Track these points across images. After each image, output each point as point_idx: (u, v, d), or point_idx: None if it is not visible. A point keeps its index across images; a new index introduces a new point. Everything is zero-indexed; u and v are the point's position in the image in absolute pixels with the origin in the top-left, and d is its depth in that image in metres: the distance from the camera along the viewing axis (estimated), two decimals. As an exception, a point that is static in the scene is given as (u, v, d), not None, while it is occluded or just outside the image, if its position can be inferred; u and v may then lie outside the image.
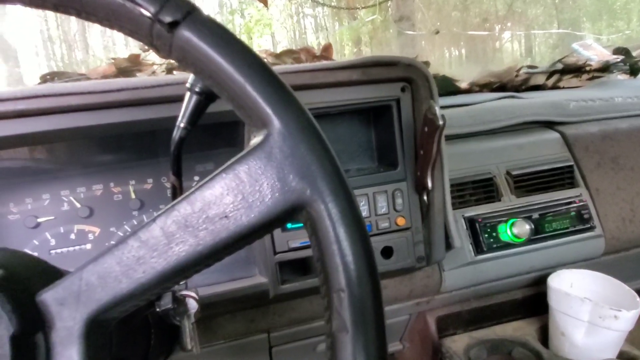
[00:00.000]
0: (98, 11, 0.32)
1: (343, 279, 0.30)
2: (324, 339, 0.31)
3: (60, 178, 0.71)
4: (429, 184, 0.71)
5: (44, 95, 0.55)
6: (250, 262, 0.74)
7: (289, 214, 0.31)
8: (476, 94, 1.34)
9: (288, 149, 0.31)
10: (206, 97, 0.49)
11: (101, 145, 0.72)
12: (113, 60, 1.18)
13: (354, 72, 0.68)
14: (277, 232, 0.70)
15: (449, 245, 0.77)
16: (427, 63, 1.39)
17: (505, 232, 0.87)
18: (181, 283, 0.62)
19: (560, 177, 0.96)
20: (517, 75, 1.46)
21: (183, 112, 0.50)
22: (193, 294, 0.51)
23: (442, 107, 1.06)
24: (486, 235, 0.87)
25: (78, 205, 0.71)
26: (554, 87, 1.47)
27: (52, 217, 0.71)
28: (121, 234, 0.72)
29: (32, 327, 0.30)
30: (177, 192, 0.55)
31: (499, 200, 0.91)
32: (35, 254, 0.68)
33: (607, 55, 1.68)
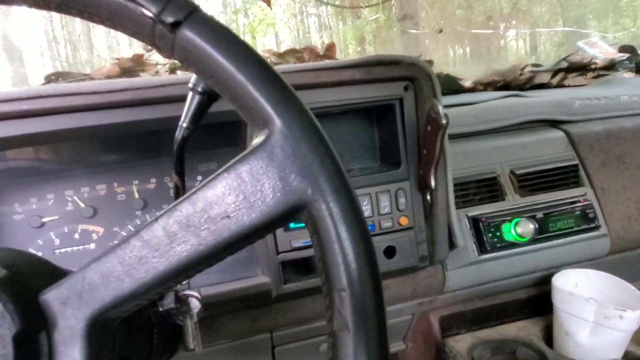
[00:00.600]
0: (100, 12, 0.32)
1: (344, 279, 0.30)
2: (326, 339, 0.31)
3: (65, 178, 0.72)
4: (432, 183, 0.70)
5: (48, 96, 0.56)
6: (253, 262, 0.74)
7: (290, 213, 0.31)
8: (480, 93, 1.33)
9: (289, 148, 0.31)
10: (209, 97, 0.49)
11: (105, 145, 0.72)
12: (117, 61, 1.18)
13: (357, 71, 0.68)
14: (279, 231, 0.70)
15: (452, 245, 0.77)
16: (430, 62, 1.39)
17: (509, 231, 0.87)
18: (184, 283, 0.62)
19: (565, 176, 0.95)
20: (521, 74, 1.45)
21: (185, 112, 0.50)
22: (195, 294, 0.51)
23: (446, 106, 1.06)
24: (490, 234, 0.86)
25: (82, 205, 0.72)
26: (559, 85, 1.46)
27: (57, 217, 0.71)
28: (124, 234, 0.73)
29: (35, 327, 0.30)
30: (180, 191, 0.55)
31: (503, 200, 0.91)
32: (40, 253, 0.69)
33: (613, 53, 1.67)
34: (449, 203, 0.75)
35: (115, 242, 0.66)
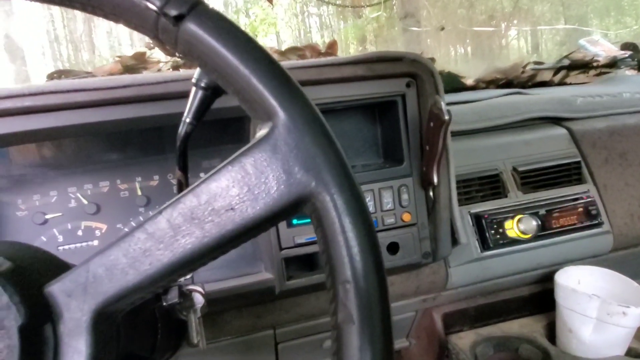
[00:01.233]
0: (104, 5, 0.32)
1: (349, 271, 0.30)
2: (330, 334, 0.31)
3: (68, 175, 0.72)
4: (435, 180, 0.70)
5: (51, 92, 0.56)
6: (256, 258, 0.74)
7: (294, 206, 0.31)
8: (482, 91, 1.33)
9: (293, 141, 0.31)
10: (212, 92, 0.49)
11: (108, 142, 0.72)
12: (119, 58, 1.18)
13: (359, 68, 0.68)
14: (282, 228, 0.70)
15: (455, 241, 0.77)
16: (432, 59, 1.39)
17: (512, 228, 0.87)
18: (187, 278, 0.62)
19: (568, 173, 0.95)
20: (523, 72, 1.45)
21: (189, 108, 0.50)
22: (199, 289, 0.51)
23: (448, 104, 1.05)
24: (492, 231, 0.86)
25: (85, 201, 0.72)
26: (561, 83, 1.46)
27: (60, 214, 0.71)
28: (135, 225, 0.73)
29: (41, 319, 0.30)
30: (183, 187, 0.55)
31: (506, 197, 0.91)
32: (43, 250, 0.69)
33: (615, 51, 1.66)
34: (452, 199, 0.75)
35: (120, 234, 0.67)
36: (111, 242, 0.31)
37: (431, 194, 0.74)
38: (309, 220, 0.71)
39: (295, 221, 0.70)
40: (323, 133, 0.32)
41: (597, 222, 0.92)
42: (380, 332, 0.29)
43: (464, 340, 0.94)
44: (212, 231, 0.31)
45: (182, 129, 0.51)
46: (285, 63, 0.69)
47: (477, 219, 0.87)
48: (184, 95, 0.53)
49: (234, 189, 0.31)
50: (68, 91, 0.56)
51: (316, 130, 0.31)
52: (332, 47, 1.34)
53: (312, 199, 0.31)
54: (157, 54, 1.27)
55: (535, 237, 0.88)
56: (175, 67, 1.21)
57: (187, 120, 0.50)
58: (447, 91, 1.30)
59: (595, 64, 1.52)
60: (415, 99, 0.72)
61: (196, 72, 0.49)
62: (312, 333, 0.87)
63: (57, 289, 0.31)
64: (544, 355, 0.89)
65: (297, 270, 0.72)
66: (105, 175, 0.73)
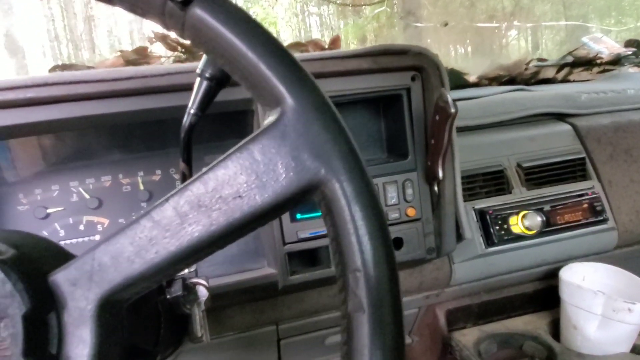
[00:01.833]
0: None
1: (359, 259, 0.29)
2: (333, 331, 0.30)
3: (70, 169, 0.71)
4: (440, 174, 0.70)
5: (54, 83, 0.55)
6: (259, 253, 0.73)
7: (303, 193, 0.31)
8: (485, 87, 1.32)
9: (302, 127, 0.30)
10: (217, 83, 0.49)
11: (110, 136, 0.72)
12: (120, 52, 1.18)
13: (364, 61, 0.67)
14: (286, 222, 0.69)
15: (459, 237, 0.77)
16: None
17: (516, 224, 0.86)
18: (191, 271, 0.61)
19: (572, 170, 0.95)
20: (526, 69, 1.44)
21: (193, 98, 0.49)
22: (203, 282, 0.50)
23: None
24: (497, 227, 0.86)
25: (87, 196, 0.71)
26: (564, 80, 1.45)
27: (62, 208, 0.71)
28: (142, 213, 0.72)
29: (45, 307, 0.29)
30: (187, 179, 0.54)
31: (510, 193, 0.90)
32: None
33: (618, 48, 1.66)
34: (457, 194, 0.74)
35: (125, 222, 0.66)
36: (117, 230, 0.31)
37: (436, 188, 0.73)
38: (312, 214, 0.70)
39: (299, 215, 0.70)
40: (333, 119, 0.31)
41: (601, 218, 0.92)
42: (392, 320, 0.29)
43: (467, 337, 0.94)
44: (219, 219, 0.30)
45: (186, 120, 0.50)
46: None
47: (482, 214, 0.87)
48: (188, 87, 0.53)
49: (242, 177, 0.30)
50: (71, 82, 0.56)
51: (326, 117, 0.31)
52: (335, 43, 1.34)
53: (321, 187, 0.30)
54: (159, 49, 1.26)
55: (540, 234, 0.87)
56: (177, 61, 1.20)
57: (192, 111, 0.49)
58: (450, 88, 1.30)
59: (598, 61, 1.51)
60: (421, 93, 0.72)
61: (201, 62, 0.49)
62: (315, 329, 0.87)
63: (61, 277, 0.30)
64: (548, 352, 0.88)
65: (301, 265, 0.71)
66: (108, 169, 0.73)
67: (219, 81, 0.49)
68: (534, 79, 1.42)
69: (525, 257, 0.89)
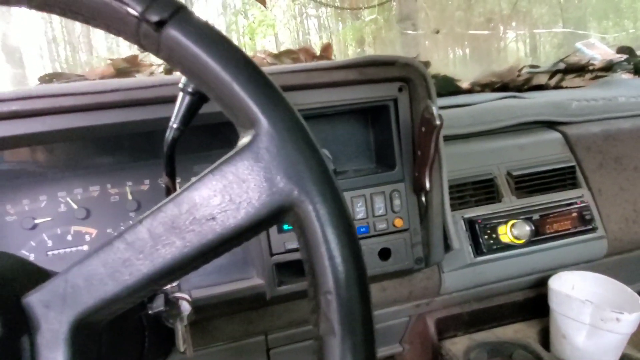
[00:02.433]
0: (83, 10, 0.31)
1: (331, 281, 0.29)
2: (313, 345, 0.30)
3: (57, 179, 0.71)
4: (427, 185, 0.70)
5: (38, 96, 0.55)
6: (247, 264, 0.73)
7: (276, 215, 0.31)
8: (477, 94, 1.33)
9: (275, 149, 0.30)
10: (199, 97, 0.49)
11: (98, 146, 0.72)
12: (111, 61, 1.18)
13: (351, 72, 0.68)
14: (273, 233, 0.69)
15: (447, 247, 0.77)
16: (427, 63, 1.39)
17: (506, 233, 0.87)
18: (174, 285, 0.61)
19: (562, 178, 0.95)
20: (519, 75, 1.45)
21: (176, 113, 0.49)
22: (186, 296, 0.51)
23: (443, 107, 1.06)
24: (486, 236, 0.86)
25: (75, 206, 0.71)
26: (557, 86, 1.46)
27: (49, 219, 0.70)
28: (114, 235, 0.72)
29: (18, 330, 0.29)
30: (171, 192, 0.54)
31: (500, 201, 0.90)
32: (32, 255, 0.68)
33: (611, 54, 1.66)
34: (444, 205, 0.74)
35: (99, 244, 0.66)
36: (90, 252, 0.31)
37: (423, 199, 0.73)
38: None
39: (286, 226, 0.70)
40: (305, 141, 0.31)
41: (591, 227, 0.92)
42: (362, 344, 0.29)
43: (457, 345, 0.94)
44: (193, 241, 0.30)
45: (169, 135, 0.50)
46: (275, 67, 0.68)
47: (471, 224, 0.87)
48: (173, 99, 0.53)
49: (216, 198, 0.30)
50: (55, 95, 0.56)
51: (299, 138, 0.31)
52: (326, 50, 1.34)
53: (294, 208, 0.30)
54: (150, 57, 1.26)
55: (529, 242, 0.87)
56: (168, 70, 1.20)
57: (174, 125, 0.50)
58: (442, 94, 1.30)
59: (591, 68, 1.51)
60: (408, 104, 0.72)
61: (183, 77, 0.49)
62: (304, 339, 0.87)
63: (35, 299, 0.30)
64: (537, 361, 0.89)
65: (289, 275, 0.71)
66: (96, 179, 0.73)
67: (202, 96, 0.49)
68: (527, 86, 1.43)
69: (515, 266, 0.89)
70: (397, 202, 0.73)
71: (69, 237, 0.71)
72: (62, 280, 0.30)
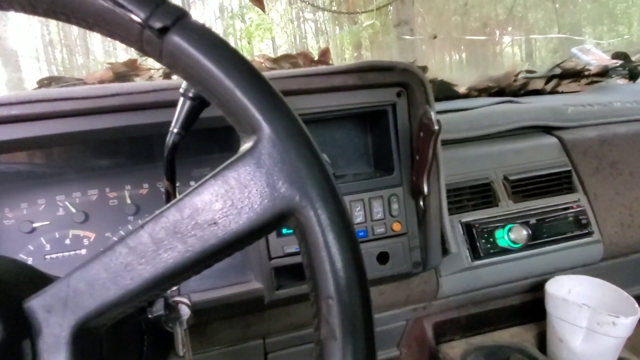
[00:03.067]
0: (88, 17, 0.31)
1: (332, 286, 0.29)
2: (314, 348, 0.31)
3: (56, 183, 0.71)
4: (425, 189, 0.70)
5: (38, 101, 0.55)
6: (246, 268, 0.73)
7: (278, 220, 0.31)
8: (474, 99, 1.34)
9: (277, 155, 0.31)
10: (200, 102, 0.49)
11: (97, 150, 0.72)
12: (110, 65, 1.18)
13: (350, 77, 0.68)
14: (272, 237, 0.69)
15: (445, 251, 0.77)
16: (424, 68, 1.39)
17: (503, 237, 0.87)
18: (174, 289, 0.62)
19: (558, 183, 0.95)
20: (515, 80, 1.46)
21: (176, 118, 0.50)
22: (185, 300, 0.51)
23: (440, 112, 1.06)
24: (483, 240, 0.86)
25: (73, 210, 0.71)
26: (553, 91, 1.46)
27: (48, 222, 0.70)
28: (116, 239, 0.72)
29: (19, 334, 0.29)
30: (171, 197, 0.55)
31: (497, 206, 0.91)
32: (30, 259, 0.68)
33: (606, 60, 1.68)
34: (442, 209, 0.75)
35: (101, 248, 0.66)
36: (92, 257, 0.31)
37: (421, 203, 0.74)
38: None
39: (284, 230, 0.70)
40: (307, 147, 0.31)
41: (587, 231, 0.93)
42: (363, 348, 0.29)
43: (455, 349, 0.94)
44: (194, 245, 0.31)
45: (169, 139, 0.50)
46: (274, 73, 0.69)
47: (468, 228, 0.87)
48: (173, 104, 0.53)
49: (217, 203, 0.31)
50: (55, 100, 0.56)
51: (301, 145, 0.31)
52: (324, 55, 1.34)
53: (296, 214, 0.31)
54: (149, 61, 1.27)
55: (526, 247, 0.88)
56: (167, 74, 1.21)
57: (175, 130, 0.50)
58: (439, 99, 1.31)
59: (586, 73, 1.53)
60: (406, 109, 0.72)
61: (184, 82, 0.49)
62: (302, 343, 0.87)
63: (36, 303, 0.31)
64: (534, 365, 0.89)
65: (287, 279, 0.71)
66: (94, 183, 0.73)
67: (202, 101, 0.49)
68: (523, 90, 1.44)
69: (512, 270, 0.90)
70: (395, 206, 0.73)
71: (67, 241, 0.71)
72: (64, 285, 0.30)
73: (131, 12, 0.30)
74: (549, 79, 1.48)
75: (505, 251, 0.87)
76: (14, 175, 0.69)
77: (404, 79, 0.70)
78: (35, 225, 0.70)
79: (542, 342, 0.94)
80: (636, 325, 0.81)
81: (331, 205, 0.31)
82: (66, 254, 0.71)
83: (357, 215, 0.72)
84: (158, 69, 1.24)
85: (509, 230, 0.86)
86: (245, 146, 0.32)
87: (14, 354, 0.29)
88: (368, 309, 0.30)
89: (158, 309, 0.48)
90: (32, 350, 0.30)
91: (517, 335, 0.97)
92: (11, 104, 0.55)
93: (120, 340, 0.45)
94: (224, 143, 0.72)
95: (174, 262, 0.30)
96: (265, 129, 0.31)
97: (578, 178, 0.97)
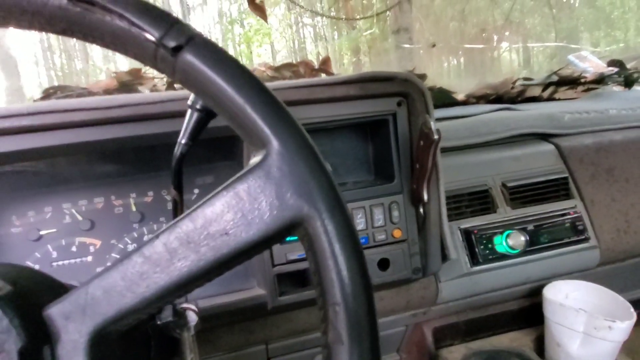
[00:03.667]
0: (105, 36, 0.33)
1: (339, 293, 0.31)
2: (321, 350, 0.32)
3: (62, 191, 0.72)
4: (425, 197, 0.72)
5: (49, 112, 0.57)
6: (249, 274, 0.75)
7: (287, 230, 0.32)
8: (473, 106, 1.35)
9: (286, 167, 0.32)
10: (207, 114, 0.51)
11: (103, 158, 0.73)
12: (115, 74, 1.19)
13: (351, 88, 0.70)
14: (275, 244, 0.70)
15: (445, 257, 0.78)
16: (423, 76, 1.41)
17: (501, 243, 0.89)
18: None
19: (555, 189, 0.97)
20: (513, 87, 1.48)
21: (184, 129, 0.51)
22: (193, 307, 0.52)
23: (439, 119, 1.08)
24: (482, 246, 0.88)
25: (79, 217, 0.72)
26: (550, 98, 1.48)
27: (54, 230, 0.72)
28: (121, 247, 0.73)
29: (40, 341, 0.31)
30: (178, 205, 0.56)
31: (495, 212, 0.92)
32: (37, 266, 0.69)
33: (602, 67, 1.70)
34: (442, 216, 0.76)
35: (118, 257, 0.67)
36: (109, 266, 0.32)
37: (421, 210, 0.75)
38: None
39: (288, 238, 0.71)
40: (315, 160, 0.33)
41: (584, 237, 0.94)
42: (368, 352, 0.30)
43: (454, 354, 0.95)
44: (207, 255, 0.32)
45: (177, 150, 0.52)
46: (278, 83, 0.70)
47: (467, 234, 0.89)
48: (179, 114, 0.54)
49: (229, 214, 0.32)
50: (65, 110, 0.57)
51: (308, 158, 0.33)
52: (325, 63, 1.36)
53: (304, 224, 0.32)
54: (153, 70, 1.28)
55: (524, 252, 0.89)
56: (170, 83, 1.22)
57: (183, 141, 0.51)
58: (438, 106, 1.33)
59: (583, 80, 1.55)
60: (406, 118, 0.74)
61: (191, 95, 0.51)
62: (304, 348, 0.88)
63: (56, 311, 0.32)
64: (533, 369, 0.90)
65: (289, 286, 0.73)
66: (100, 191, 0.74)
67: (209, 113, 0.50)
68: (521, 98, 1.46)
69: (510, 276, 0.91)
70: (395, 213, 0.75)
71: (74, 248, 0.72)
72: (82, 293, 0.32)
73: (146, 31, 0.32)
74: (546, 86, 1.50)
75: (503, 257, 0.89)
76: (22, 184, 0.70)
77: (404, 89, 0.72)
78: (42, 232, 0.71)
79: (540, 346, 0.96)
80: (632, 329, 0.82)
81: (337, 215, 0.32)
82: (72, 261, 0.72)
83: (359, 222, 0.73)
84: (161, 78, 1.26)
85: (507, 236, 0.88)
86: (255, 159, 0.33)
87: (35, 359, 0.30)
88: (372, 315, 0.32)
89: (166, 315, 0.49)
90: (52, 356, 0.31)
91: (515, 340, 0.98)
92: (22, 115, 0.56)
93: (129, 346, 0.46)
94: (226, 152, 0.74)
95: (187, 271, 0.32)
96: (274, 143, 0.32)
97: (575, 185, 0.99)
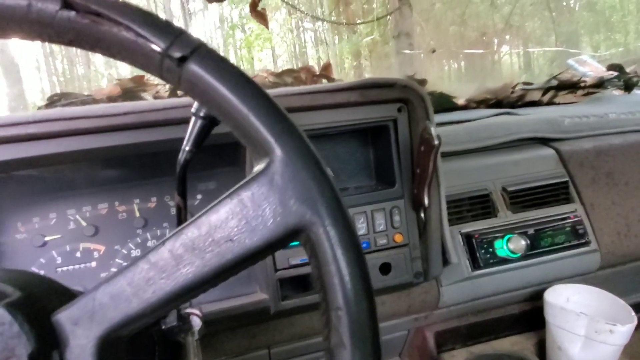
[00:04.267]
0: (111, 47, 0.34)
1: (341, 298, 0.31)
2: (323, 355, 0.33)
3: (67, 197, 0.73)
4: (426, 202, 0.72)
5: (54, 119, 0.58)
6: (252, 279, 0.75)
7: (290, 236, 0.33)
8: (473, 111, 1.36)
9: (289, 175, 0.33)
10: (210, 122, 0.51)
11: (107, 165, 0.74)
12: (118, 81, 1.20)
13: (353, 94, 0.70)
14: (278, 249, 0.71)
15: (446, 261, 0.79)
16: (423, 82, 1.42)
17: (502, 247, 0.89)
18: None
19: (556, 193, 0.98)
20: (512, 92, 1.48)
21: (188, 136, 0.52)
22: (197, 312, 0.52)
23: (440, 124, 1.09)
24: (483, 250, 0.88)
25: (84, 223, 0.73)
26: (550, 103, 1.49)
27: (59, 236, 0.72)
28: (125, 252, 0.74)
29: (49, 346, 0.31)
30: (182, 211, 0.57)
31: (495, 216, 0.93)
32: (42, 272, 0.70)
33: (602, 71, 1.71)
34: (442, 220, 0.77)
35: (121, 262, 0.68)
36: (116, 272, 0.33)
37: (422, 215, 0.76)
38: None
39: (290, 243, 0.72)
40: (317, 168, 0.34)
41: (584, 240, 0.94)
42: (370, 355, 0.31)
43: (456, 358, 0.96)
44: (212, 261, 0.33)
45: (181, 157, 0.53)
46: (280, 90, 0.71)
47: (468, 238, 0.89)
48: (182, 121, 0.55)
49: (233, 221, 0.33)
50: (71, 118, 0.58)
51: (311, 165, 0.33)
52: (327, 69, 1.37)
53: (306, 230, 0.33)
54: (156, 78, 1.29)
55: (525, 256, 0.90)
56: (173, 90, 1.23)
57: (187, 148, 0.52)
58: (439, 111, 1.33)
59: (583, 84, 1.55)
60: (407, 124, 0.75)
61: (195, 102, 0.51)
62: (306, 352, 0.88)
63: (64, 316, 0.33)
64: (534, 373, 0.90)
65: (292, 290, 0.73)
66: (104, 197, 0.75)
67: (213, 120, 0.51)
68: (521, 102, 1.46)
69: (511, 280, 0.91)
70: (396, 218, 0.75)
71: (78, 254, 0.73)
72: (90, 299, 0.32)
73: (152, 42, 0.33)
74: (545, 90, 1.50)
75: (504, 261, 0.89)
76: (27, 191, 0.71)
77: (404, 95, 0.73)
78: (46, 238, 0.72)
79: (541, 350, 0.96)
80: (633, 333, 0.83)
81: (339, 222, 0.33)
82: (77, 266, 0.73)
83: (360, 227, 0.74)
84: (165, 85, 1.27)
85: (508, 240, 0.88)
86: (259, 167, 0.34)
87: None
88: (374, 319, 0.32)
89: (171, 320, 0.50)
90: None
91: (517, 344, 0.98)
92: (28, 122, 0.57)
93: (135, 351, 0.47)
94: (229, 158, 0.75)
95: (193, 277, 0.32)
96: (278, 151, 0.33)
97: (575, 188, 0.99)
